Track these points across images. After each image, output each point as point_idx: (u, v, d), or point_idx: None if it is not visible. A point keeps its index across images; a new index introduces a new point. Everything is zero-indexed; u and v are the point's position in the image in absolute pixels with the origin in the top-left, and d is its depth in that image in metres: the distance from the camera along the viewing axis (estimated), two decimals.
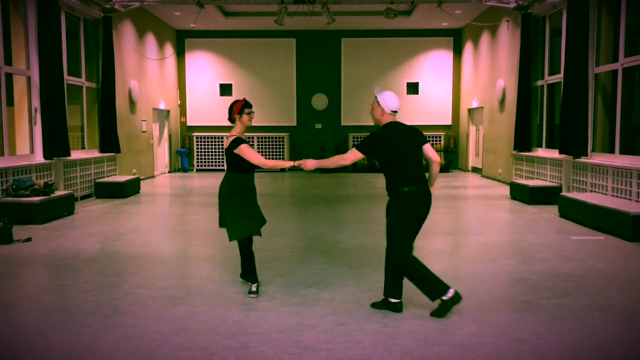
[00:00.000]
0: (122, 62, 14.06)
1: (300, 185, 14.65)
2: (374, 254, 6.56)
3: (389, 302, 4.51)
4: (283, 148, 19.02)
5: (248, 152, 4.77)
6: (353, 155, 4.41)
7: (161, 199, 12.28)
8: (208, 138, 19.23)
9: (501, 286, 5.33)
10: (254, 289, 4.95)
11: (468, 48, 18.38)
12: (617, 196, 8.92)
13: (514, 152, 13.40)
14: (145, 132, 15.95)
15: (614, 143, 9.57)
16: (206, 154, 19.32)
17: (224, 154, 5.01)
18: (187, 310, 4.57)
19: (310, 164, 4.56)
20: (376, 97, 4.47)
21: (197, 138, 19.24)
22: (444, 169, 18.40)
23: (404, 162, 4.35)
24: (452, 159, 19.39)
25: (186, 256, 6.65)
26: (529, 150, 12.89)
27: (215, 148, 19.28)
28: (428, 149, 4.52)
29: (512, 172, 13.63)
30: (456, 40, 19.30)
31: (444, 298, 4.31)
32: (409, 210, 4.33)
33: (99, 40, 12.92)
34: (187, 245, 7.32)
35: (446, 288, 4.33)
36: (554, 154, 11.42)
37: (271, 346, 3.82)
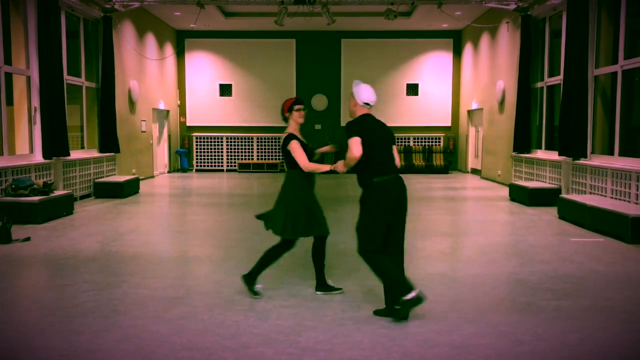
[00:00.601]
0: (122, 62, 14.05)
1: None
2: None
3: (406, 300, 4.22)
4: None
5: (297, 151, 4.75)
6: (357, 142, 4.31)
7: (160, 199, 12.27)
8: (207, 138, 19.23)
9: (500, 287, 5.34)
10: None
11: (468, 49, 18.39)
12: (616, 198, 8.93)
13: (513, 153, 13.40)
14: (144, 132, 15.95)
15: (614, 145, 9.58)
16: (205, 154, 19.31)
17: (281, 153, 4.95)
18: (186, 310, 4.56)
19: (341, 166, 4.55)
20: (353, 89, 4.62)
21: (196, 138, 19.23)
22: (443, 169, 18.40)
23: (378, 153, 4.39)
24: (452, 160, 19.39)
25: (185, 256, 6.65)
26: (529, 152, 12.90)
27: (214, 148, 19.28)
28: (394, 150, 4.64)
29: (512, 173, 13.63)
30: (456, 41, 19.31)
31: (405, 299, 4.20)
32: (382, 200, 4.34)
33: (99, 40, 12.92)
34: (186, 245, 7.31)
35: (409, 289, 4.21)
36: (554, 155, 11.42)
37: (270, 347, 3.82)
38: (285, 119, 4.99)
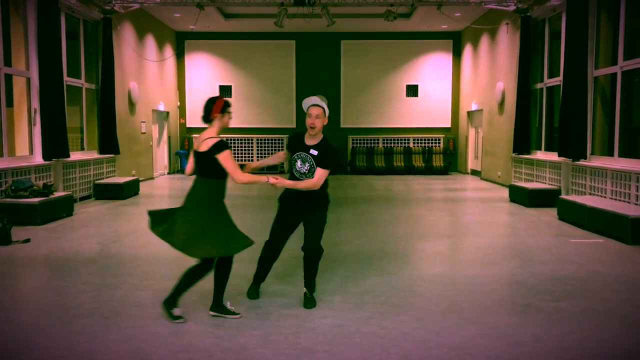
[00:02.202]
0: (121, 64, 14.06)
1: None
2: (372, 257, 6.56)
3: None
4: (282, 150, 18.99)
5: (230, 161, 4.22)
6: (325, 176, 4.62)
7: (160, 201, 12.27)
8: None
9: (500, 289, 5.34)
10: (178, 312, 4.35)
11: (467, 51, 18.40)
12: (616, 199, 8.93)
13: (513, 154, 13.41)
14: (144, 133, 15.95)
15: (613, 146, 9.58)
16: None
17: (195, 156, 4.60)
18: (185, 311, 4.56)
19: (284, 183, 4.47)
20: (323, 107, 4.67)
21: (196, 139, 19.20)
22: (443, 171, 18.40)
23: None
24: (451, 162, 19.39)
25: (185, 258, 6.61)
26: (528, 153, 12.90)
27: None
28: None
29: (511, 174, 13.63)
30: (455, 42, 19.32)
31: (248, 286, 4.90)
32: (327, 206, 4.82)
33: (99, 41, 12.93)
34: None
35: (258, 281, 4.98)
36: (553, 156, 11.43)
37: (269, 348, 3.82)
38: (211, 120, 4.35)
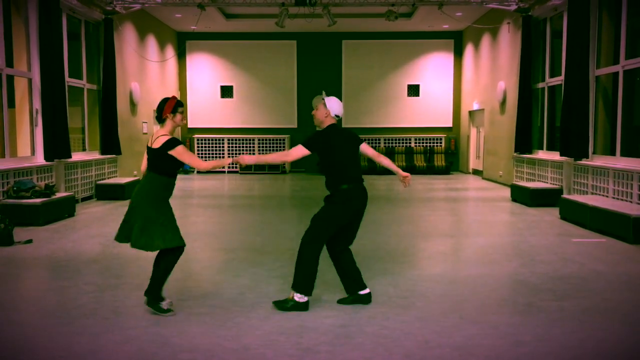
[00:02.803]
0: (123, 64, 14.07)
1: (301, 187, 14.66)
2: (374, 256, 6.55)
3: (359, 295, 4.72)
4: (284, 150, 19.01)
5: (186, 154, 4.41)
6: (298, 152, 4.65)
7: None
8: (209, 140, 19.24)
9: (502, 288, 5.33)
10: (165, 306, 4.49)
11: (469, 50, 18.39)
12: (618, 198, 8.92)
13: (514, 154, 13.39)
14: (146, 133, 15.97)
15: (615, 145, 9.57)
16: (207, 155, 19.32)
17: (148, 153, 4.62)
18: (187, 312, 4.56)
19: (246, 159, 4.61)
20: (323, 99, 4.78)
21: (197, 140, 19.24)
22: (445, 170, 18.39)
23: (344, 161, 4.66)
24: (453, 161, 19.38)
25: (187, 258, 6.64)
26: (530, 153, 12.89)
27: (216, 150, 19.28)
28: (366, 148, 4.87)
29: (513, 174, 13.62)
30: (457, 42, 19.31)
31: (297, 298, 4.53)
32: (345, 205, 4.58)
33: (100, 42, 12.94)
34: (187, 247, 7.28)
35: (308, 292, 4.57)
36: (555, 156, 11.41)
37: (271, 348, 3.82)
38: (163, 120, 4.52)
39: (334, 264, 4.84)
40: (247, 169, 18.97)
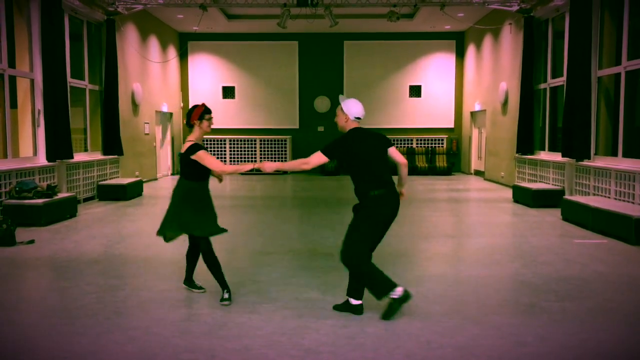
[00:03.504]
0: (125, 65, 14.09)
1: (303, 188, 14.66)
2: (376, 257, 6.53)
3: (350, 304, 4.52)
4: (285, 150, 19.03)
5: (207, 158, 4.60)
6: (317, 159, 4.44)
7: (164, 202, 12.26)
8: (210, 140, 19.24)
9: (503, 289, 5.33)
10: (226, 295, 4.81)
11: (471, 51, 18.38)
12: (620, 199, 8.90)
13: (516, 155, 13.38)
14: (148, 134, 15.98)
15: (617, 146, 9.55)
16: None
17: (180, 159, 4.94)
18: (189, 312, 4.57)
19: (268, 165, 4.55)
20: (340, 104, 4.55)
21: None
22: (446, 171, 18.38)
23: (371, 166, 4.42)
24: (455, 162, 19.36)
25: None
26: (532, 153, 12.87)
27: (217, 150, 19.29)
28: (393, 152, 4.59)
29: (515, 175, 13.61)
30: (459, 43, 19.31)
31: (393, 296, 4.28)
32: (377, 213, 4.37)
33: (102, 42, 12.96)
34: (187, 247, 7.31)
35: (394, 286, 4.30)
36: (557, 157, 11.40)
37: (273, 349, 3.82)
38: (191, 126, 4.75)
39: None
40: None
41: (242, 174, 18.53)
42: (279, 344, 3.90)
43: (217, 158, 19.25)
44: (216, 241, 7.61)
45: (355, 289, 4.49)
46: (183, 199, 4.77)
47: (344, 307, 4.55)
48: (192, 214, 4.74)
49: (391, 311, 4.32)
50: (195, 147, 4.61)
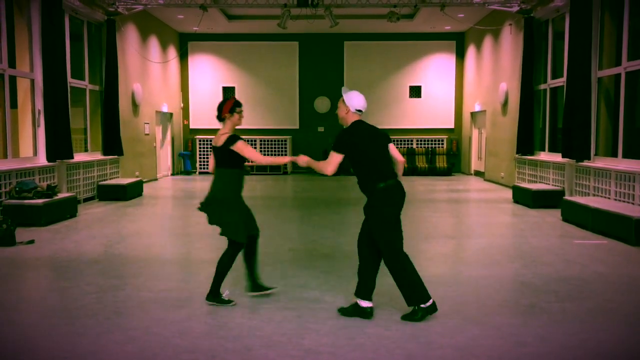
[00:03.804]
0: (125, 65, 14.10)
1: (303, 188, 14.66)
2: None
3: (359, 306, 4.43)
4: (285, 151, 19.03)
5: (246, 149, 4.67)
6: (336, 159, 4.37)
7: (164, 202, 12.29)
8: (211, 141, 19.23)
9: (504, 290, 5.33)
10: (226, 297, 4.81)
11: (471, 51, 18.39)
12: (620, 200, 8.90)
13: (516, 155, 13.38)
14: (148, 134, 15.98)
15: (617, 147, 9.55)
16: (209, 156, 19.32)
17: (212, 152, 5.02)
18: (189, 312, 4.57)
19: (302, 159, 4.57)
20: (342, 96, 4.53)
21: (199, 141, 19.26)
22: (446, 172, 18.38)
23: (377, 158, 4.38)
24: (455, 163, 19.36)
25: (189, 259, 6.66)
26: (532, 154, 12.87)
27: None
28: (392, 149, 4.54)
29: (515, 175, 13.61)
30: (459, 43, 19.31)
31: (423, 306, 4.29)
32: (389, 205, 4.33)
33: (103, 43, 12.97)
34: (189, 248, 7.32)
35: (428, 297, 4.31)
36: (557, 157, 11.40)
37: (273, 349, 3.82)
38: (222, 119, 4.82)
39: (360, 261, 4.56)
40: (246, 170, 19.02)
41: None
42: (279, 344, 3.90)
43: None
44: (216, 241, 7.62)
45: (366, 288, 4.40)
46: (237, 194, 4.79)
47: (352, 311, 4.44)
48: (248, 211, 4.87)
49: (414, 317, 4.31)
50: (233, 138, 4.68)
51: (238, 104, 4.84)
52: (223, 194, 4.76)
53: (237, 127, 4.83)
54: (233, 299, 4.83)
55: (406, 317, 4.34)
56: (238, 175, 4.81)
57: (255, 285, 4.97)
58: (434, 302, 4.33)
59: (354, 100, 4.47)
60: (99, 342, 3.92)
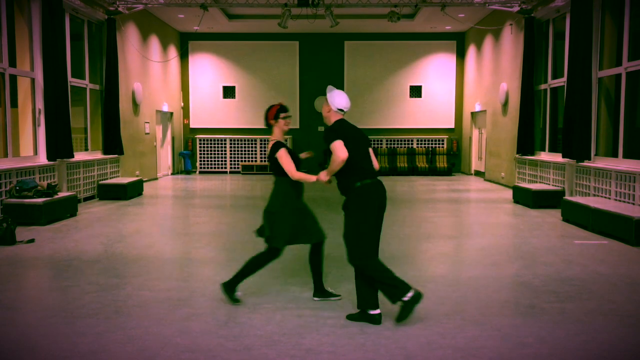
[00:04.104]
0: (125, 64, 14.10)
1: (304, 188, 14.64)
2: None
3: (368, 314, 4.33)
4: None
5: (284, 158, 4.64)
6: (340, 147, 4.25)
7: (164, 201, 12.29)
8: (211, 140, 19.26)
9: (504, 290, 5.32)
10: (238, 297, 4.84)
11: (471, 51, 18.38)
12: (620, 200, 8.90)
13: (517, 155, 13.38)
14: (148, 134, 15.98)
15: (618, 147, 9.55)
16: (209, 156, 19.34)
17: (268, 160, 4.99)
18: (189, 312, 4.57)
19: (323, 177, 4.47)
20: (327, 94, 4.57)
21: (200, 140, 19.26)
22: (447, 171, 18.37)
23: (359, 157, 4.36)
24: (455, 163, 19.37)
25: (189, 258, 6.66)
26: (532, 154, 12.87)
27: (218, 150, 19.30)
28: (371, 153, 4.58)
29: (515, 175, 13.61)
30: (459, 43, 19.31)
31: (404, 299, 4.21)
32: (368, 205, 4.30)
33: (103, 42, 12.97)
34: (189, 247, 7.32)
35: (407, 288, 4.23)
36: (557, 157, 11.40)
37: (273, 349, 3.82)
38: (270, 126, 4.83)
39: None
40: (248, 170, 19.00)
41: (242, 173, 18.52)
42: (279, 343, 3.90)
43: (217, 158, 19.29)
44: (216, 240, 7.63)
45: (368, 297, 4.32)
46: (283, 201, 4.75)
47: (360, 317, 4.36)
48: (300, 220, 4.83)
49: (405, 314, 4.23)
50: (277, 146, 4.68)
51: (283, 109, 4.82)
52: (271, 202, 4.76)
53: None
54: (242, 300, 4.82)
55: (401, 317, 4.25)
56: (291, 182, 4.73)
57: (319, 290, 4.92)
58: (417, 291, 4.23)
59: (336, 99, 4.50)
60: (99, 342, 3.92)
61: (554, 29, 12.49)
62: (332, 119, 4.52)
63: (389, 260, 6.37)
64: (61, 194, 9.49)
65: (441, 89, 19.44)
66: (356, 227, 4.29)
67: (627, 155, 9.35)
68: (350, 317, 4.40)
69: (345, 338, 4.01)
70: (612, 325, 4.31)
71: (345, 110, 4.52)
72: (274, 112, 4.78)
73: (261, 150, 19.16)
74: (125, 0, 13.22)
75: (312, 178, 4.66)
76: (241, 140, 19.26)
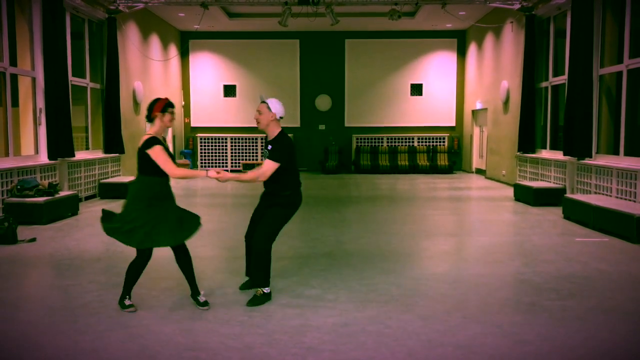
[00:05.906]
0: (126, 63, 14.10)
1: (303, 187, 14.65)
2: (377, 255, 6.55)
3: (265, 293, 4.75)
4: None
5: (160, 156, 4.31)
6: (273, 169, 4.68)
7: None
8: (212, 139, 19.26)
9: (505, 288, 5.33)
10: (203, 299, 4.62)
11: (472, 49, 18.36)
12: (621, 198, 8.90)
13: (518, 153, 13.37)
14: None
15: (619, 144, 9.55)
16: (210, 155, 19.35)
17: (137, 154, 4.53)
18: (191, 310, 4.58)
19: (225, 175, 4.53)
20: (266, 102, 4.81)
21: (200, 139, 19.27)
22: (448, 170, 18.37)
23: (293, 169, 4.90)
24: (456, 160, 19.35)
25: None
26: (533, 152, 12.87)
27: (218, 149, 19.31)
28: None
29: (516, 173, 13.60)
30: (460, 41, 19.29)
31: (265, 291, 4.73)
32: (293, 209, 4.92)
33: (104, 41, 12.97)
34: (190, 245, 7.28)
35: (269, 283, 4.76)
36: (558, 155, 11.39)
37: (275, 347, 3.82)
38: (152, 120, 4.49)
39: (247, 249, 5.09)
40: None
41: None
42: (280, 342, 3.91)
43: (218, 157, 19.29)
44: (216, 239, 7.63)
45: (264, 276, 4.69)
46: (145, 200, 4.40)
47: (261, 300, 4.70)
48: (148, 222, 4.41)
49: (258, 302, 4.67)
50: (151, 141, 4.35)
51: (171, 104, 4.55)
52: (134, 201, 4.41)
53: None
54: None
55: (252, 303, 4.65)
56: (153, 183, 4.42)
57: (194, 292, 4.68)
58: (270, 291, 4.80)
59: (279, 108, 4.82)
60: (101, 340, 3.93)
61: (554, 27, 12.47)
62: (274, 127, 4.83)
63: (390, 258, 6.39)
64: (62, 193, 9.50)
65: (442, 87, 19.43)
66: (278, 222, 4.82)
67: (628, 152, 9.35)
68: (251, 304, 4.68)
69: (346, 336, 4.01)
70: (612, 322, 4.32)
71: (282, 117, 4.87)
72: (162, 105, 4.48)
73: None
74: None
75: (199, 173, 4.51)
76: (242, 139, 19.26)
